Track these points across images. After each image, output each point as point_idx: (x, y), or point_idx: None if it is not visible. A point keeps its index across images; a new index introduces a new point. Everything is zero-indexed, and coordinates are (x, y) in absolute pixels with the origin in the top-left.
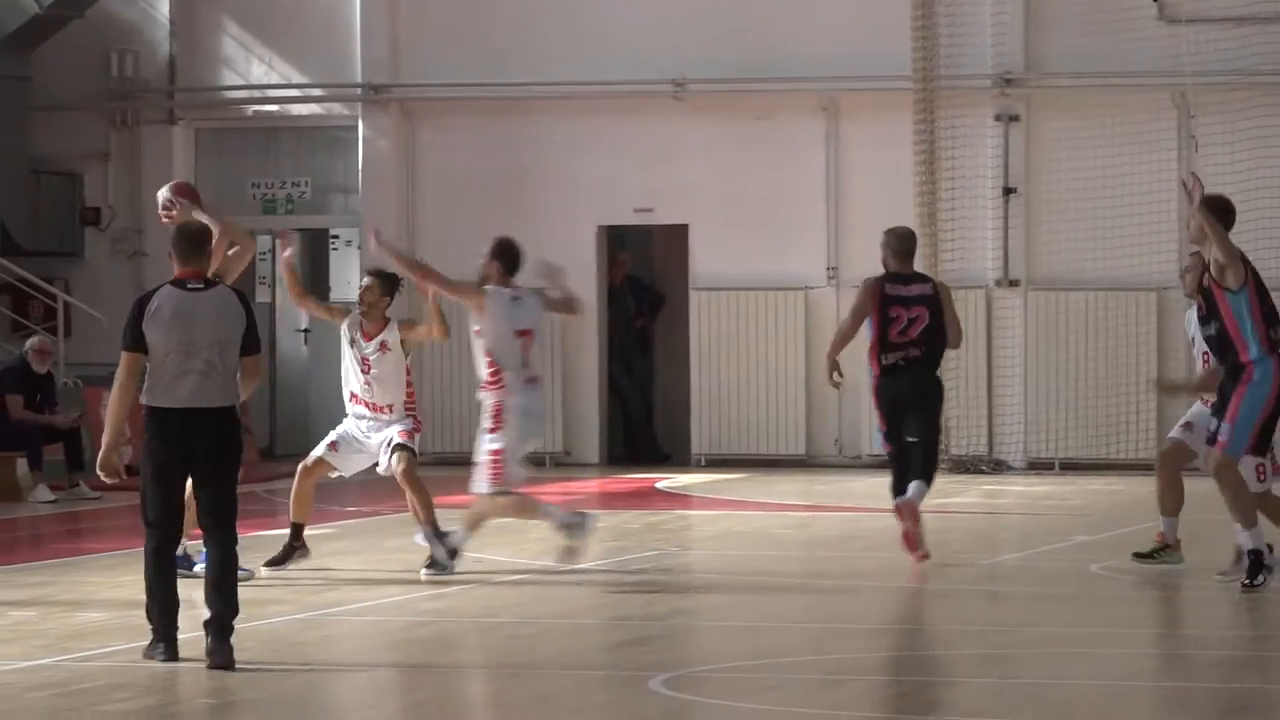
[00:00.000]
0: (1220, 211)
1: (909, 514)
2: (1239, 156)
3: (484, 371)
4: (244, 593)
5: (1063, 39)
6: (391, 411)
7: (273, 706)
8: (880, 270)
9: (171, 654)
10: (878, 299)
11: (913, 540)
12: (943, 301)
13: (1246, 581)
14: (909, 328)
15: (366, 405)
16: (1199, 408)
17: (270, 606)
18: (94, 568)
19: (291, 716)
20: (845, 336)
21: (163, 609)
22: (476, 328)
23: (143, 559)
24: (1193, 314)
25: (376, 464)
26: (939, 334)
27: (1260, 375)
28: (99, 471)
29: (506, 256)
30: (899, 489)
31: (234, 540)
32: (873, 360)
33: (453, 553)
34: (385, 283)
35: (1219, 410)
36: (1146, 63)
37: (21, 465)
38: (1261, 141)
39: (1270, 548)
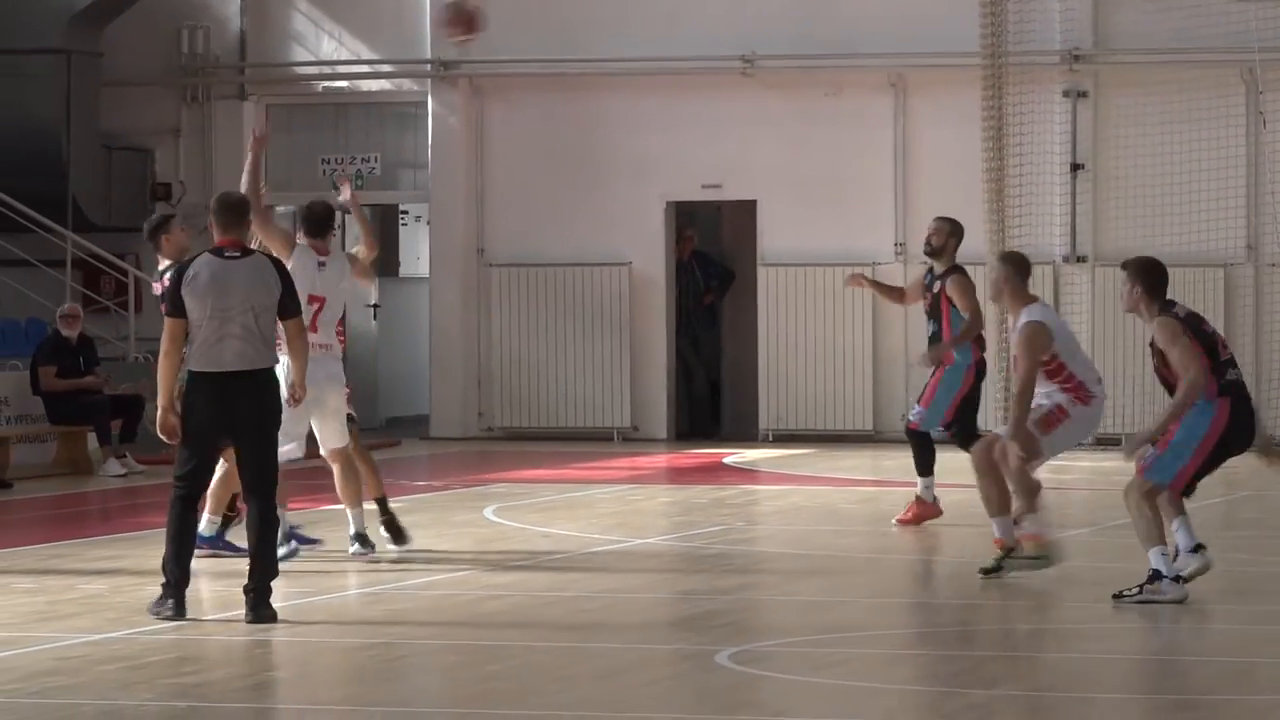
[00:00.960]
0: (1157, 276)
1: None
2: None
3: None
4: (309, 566)
5: (1131, 14)
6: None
7: (342, 679)
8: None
9: (179, 611)
10: None
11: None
12: None
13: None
14: None
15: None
16: None
17: (337, 580)
18: (163, 541)
19: (361, 689)
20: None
21: (177, 558)
22: None
23: (169, 516)
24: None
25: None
26: None
27: (1199, 409)
28: (159, 433)
29: (310, 220)
30: (929, 469)
31: (273, 502)
32: (975, 347)
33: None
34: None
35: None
36: (1215, 39)
37: (92, 440)
38: None
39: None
